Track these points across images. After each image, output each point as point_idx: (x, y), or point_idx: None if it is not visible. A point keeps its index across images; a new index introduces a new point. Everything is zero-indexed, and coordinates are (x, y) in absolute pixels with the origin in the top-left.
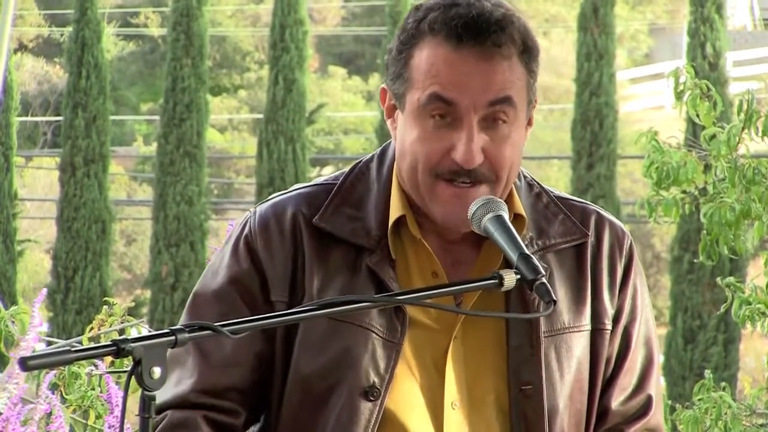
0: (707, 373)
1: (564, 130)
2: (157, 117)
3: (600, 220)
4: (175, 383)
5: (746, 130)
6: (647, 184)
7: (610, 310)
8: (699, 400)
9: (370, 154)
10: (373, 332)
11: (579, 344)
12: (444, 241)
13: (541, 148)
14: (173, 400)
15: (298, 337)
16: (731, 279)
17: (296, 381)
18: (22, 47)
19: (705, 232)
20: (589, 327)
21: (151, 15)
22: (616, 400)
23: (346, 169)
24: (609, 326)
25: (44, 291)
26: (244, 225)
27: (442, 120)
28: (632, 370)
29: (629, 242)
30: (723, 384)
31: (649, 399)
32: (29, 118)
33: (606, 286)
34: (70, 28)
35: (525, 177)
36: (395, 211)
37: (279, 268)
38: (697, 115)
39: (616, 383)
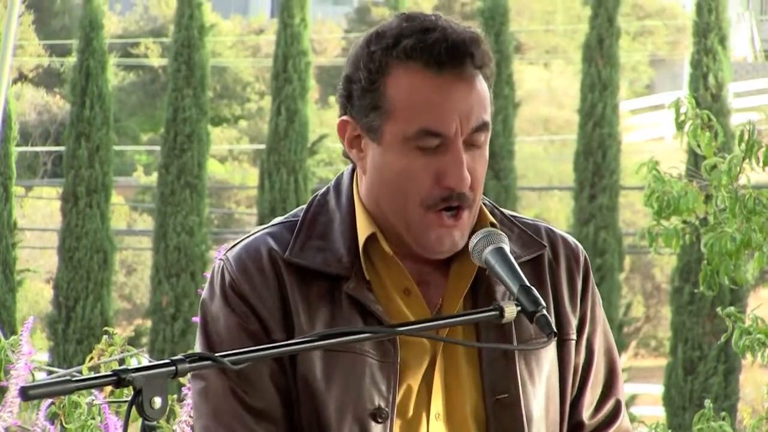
0: (707, 403)
1: (564, 161)
2: (157, 147)
3: (552, 234)
4: None
5: (747, 161)
6: (648, 215)
7: (573, 321)
8: (699, 430)
9: (325, 187)
10: (368, 357)
11: (546, 355)
12: (412, 261)
13: (542, 179)
14: None
15: (300, 375)
16: (732, 309)
17: (307, 415)
18: (22, 77)
19: (705, 262)
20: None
21: (151, 45)
22: (587, 412)
23: (303, 206)
24: (574, 336)
25: (31, 319)
26: (222, 274)
27: (428, 149)
28: (598, 380)
29: (584, 255)
30: (723, 414)
31: (618, 403)
32: (29, 148)
33: (567, 297)
34: (72, 58)
35: None
36: (364, 231)
37: (271, 308)
38: (698, 146)
39: (584, 395)
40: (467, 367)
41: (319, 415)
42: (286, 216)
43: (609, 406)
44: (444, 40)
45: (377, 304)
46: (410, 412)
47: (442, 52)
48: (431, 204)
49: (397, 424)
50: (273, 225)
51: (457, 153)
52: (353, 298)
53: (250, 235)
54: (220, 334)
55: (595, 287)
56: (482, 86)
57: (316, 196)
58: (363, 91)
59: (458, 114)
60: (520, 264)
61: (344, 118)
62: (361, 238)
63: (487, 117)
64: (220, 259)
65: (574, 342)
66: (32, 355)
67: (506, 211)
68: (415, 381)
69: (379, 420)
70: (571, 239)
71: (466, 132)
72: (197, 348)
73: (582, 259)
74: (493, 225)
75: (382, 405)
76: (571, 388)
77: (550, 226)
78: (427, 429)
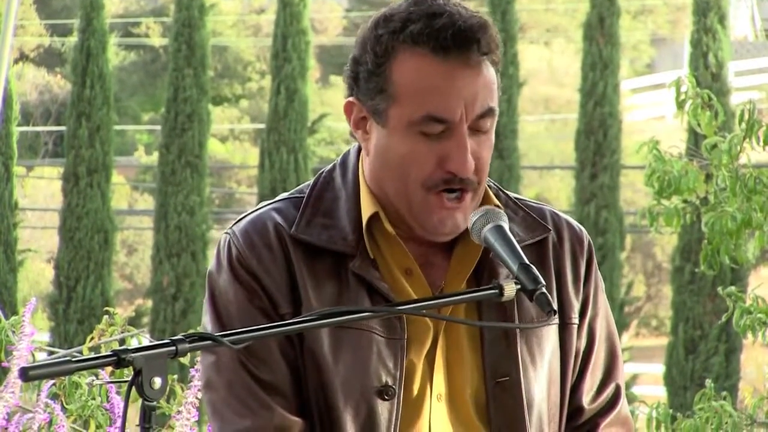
0: (708, 382)
1: (565, 140)
2: (158, 127)
3: (557, 218)
4: (240, 414)
5: (747, 140)
6: (649, 194)
7: (576, 304)
8: (700, 409)
9: (331, 164)
10: (375, 333)
11: (548, 338)
12: (416, 243)
13: (543, 158)
14: None
15: (306, 349)
16: (732, 289)
17: (314, 391)
18: (23, 57)
19: (706, 241)
20: (556, 321)
21: (152, 25)
22: (587, 397)
23: (309, 181)
24: (576, 320)
25: (34, 300)
26: (229, 248)
27: (432, 135)
28: (598, 365)
29: (588, 240)
30: (724, 393)
31: (618, 388)
32: (30, 128)
33: (570, 281)
34: (73, 38)
35: None
36: (367, 210)
37: (278, 282)
38: (699, 125)
39: (584, 380)
40: (469, 349)
41: (326, 390)
42: (291, 192)
43: (609, 391)
44: (451, 25)
45: (383, 282)
46: (414, 392)
47: (448, 38)
48: (432, 186)
49: (403, 404)
50: (279, 200)
51: (461, 138)
52: (359, 276)
53: (255, 210)
54: (229, 309)
55: (599, 272)
56: (489, 72)
57: (323, 172)
58: (369, 74)
59: (463, 100)
60: (523, 247)
61: (350, 99)
62: (365, 216)
63: (494, 103)
64: (227, 233)
65: (576, 326)
66: (34, 335)
67: (511, 194)
68: (418, 359)
69: (386, 397)
70: (576, 224)
71: (471, 118)
72: (206, 321)
73: (586, 243)
74: (497, 207)
75: (389, 382)
76: (571, 372)
77: (555, 210)
78: (429, 409)
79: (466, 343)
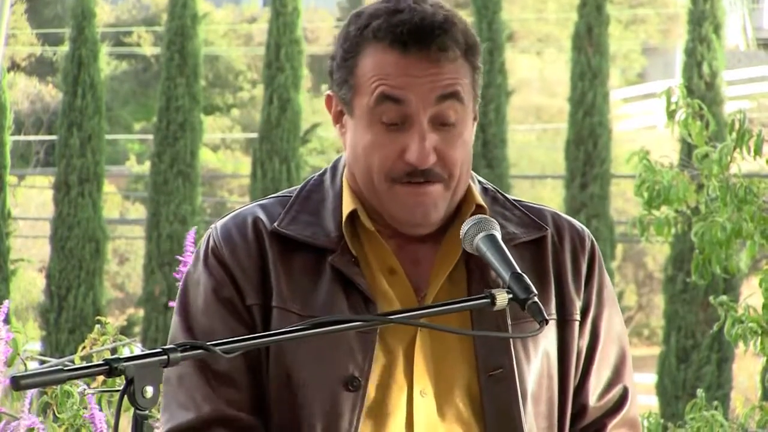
0: (700, 392)
1: (557, 150)
2: (150, 136)
3: (558, 218)
4: (184, 407)
5: (738, 150)
6: (640, 204)
7: (577, 301)
8: (691, 419)
9: (323, 169)
10: None
11: (544, 333)
12: (401, 240)
13: (534, 168)
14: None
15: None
16: (724, 298)
17: (276, 379)
18: (14, 66)
19: (697, 251)
20: (554, 317)
21: (144, 34)
22: (593, 396)
23: (300, 184)
24: (578, 317)
25: (7, 303)
26: (208, 240)
27: (392, 125)
28: (605, 364)
29: (591, 239)
30: (715, 403)
31: (626, 390)
32: (22, 137)
33: (571, 278)
34: (64, 47)
35: (480, 182)
36: (347, 207)
37: (248, 272)
38: (690, 135)
39: (589, 378)
40: (459, 343)
41: (290, 379)
42: (282, 192)
43: (616, 391)
44: (409, 21)
45: (362, 278)
46: (390, 386)
47: (405, 32)
48: (396, 177)
49: (372, 397)
50: (266, 198)
51: (418, 128)
52: (337, 271)
53: (241, 207)
54: (197, 301)
55: (604, 272)
56: (453, 66)
57: (313, 176)
58: (338, 66)
59: (420, 85)
60: (520, 245)
61: (328, 92)
62: (345, 213)
63: (457, 88)
64: (210, 228)
65: (577, 323)
66: (9, 338)
67: (510, 196)
68: (395, 356)
69: (351, 388)
70: (578, 224)
71: (429, 103)
72: (174, 311)
73: (588, 242)
74: (479, 207)
75: (356, 374)
76: (575, 370)
77: (556, 211)
78: (409, 405)
79: (456, 338)
